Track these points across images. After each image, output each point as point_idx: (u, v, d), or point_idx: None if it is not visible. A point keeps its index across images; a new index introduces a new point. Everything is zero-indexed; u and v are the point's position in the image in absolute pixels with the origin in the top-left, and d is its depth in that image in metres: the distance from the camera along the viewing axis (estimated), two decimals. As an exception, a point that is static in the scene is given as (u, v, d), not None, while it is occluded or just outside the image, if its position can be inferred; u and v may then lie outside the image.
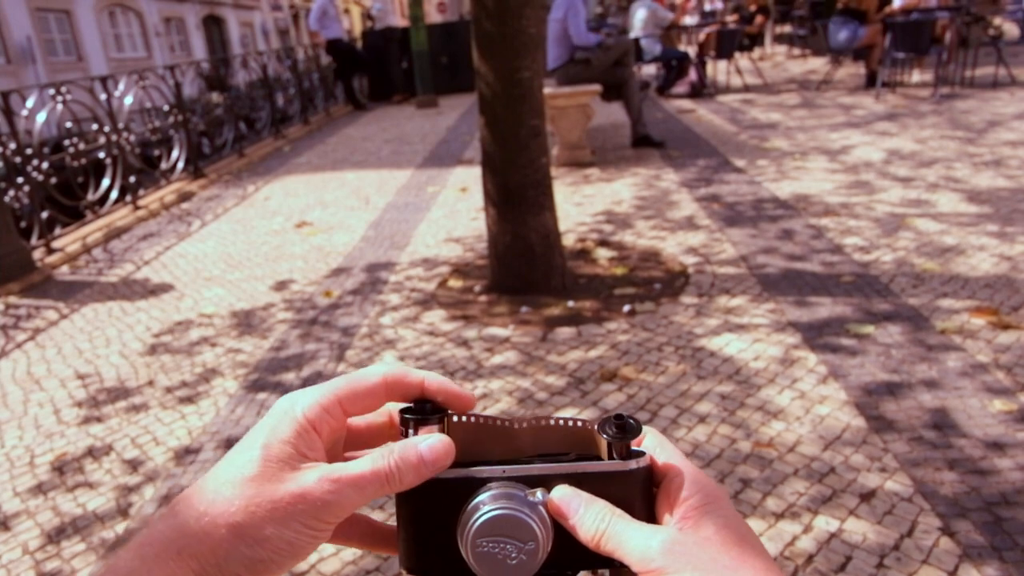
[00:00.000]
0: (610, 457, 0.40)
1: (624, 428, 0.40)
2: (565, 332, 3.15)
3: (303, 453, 0.39)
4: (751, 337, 2.95)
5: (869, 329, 2.90)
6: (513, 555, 0.38)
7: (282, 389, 2.91)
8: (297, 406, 0.40)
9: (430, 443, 0.39)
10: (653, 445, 0.42)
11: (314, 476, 0.38)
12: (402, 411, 0.41)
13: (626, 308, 3.31)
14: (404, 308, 3.59)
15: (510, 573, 0.38)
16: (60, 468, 2.55)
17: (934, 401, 2.39)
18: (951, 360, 2.62)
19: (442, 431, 0.41)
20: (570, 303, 3.43)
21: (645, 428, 0.42)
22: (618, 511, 0.39)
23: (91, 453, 2.62)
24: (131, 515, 2.25)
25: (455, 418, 0.41)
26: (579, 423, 0.42)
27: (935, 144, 5.76)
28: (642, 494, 0.40)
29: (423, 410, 0.41)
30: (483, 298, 3.60)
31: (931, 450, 2.15)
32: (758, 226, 4.25)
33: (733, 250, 3.91)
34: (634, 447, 0.41)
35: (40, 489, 2.45)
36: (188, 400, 2.92)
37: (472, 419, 0.41)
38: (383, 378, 0.42)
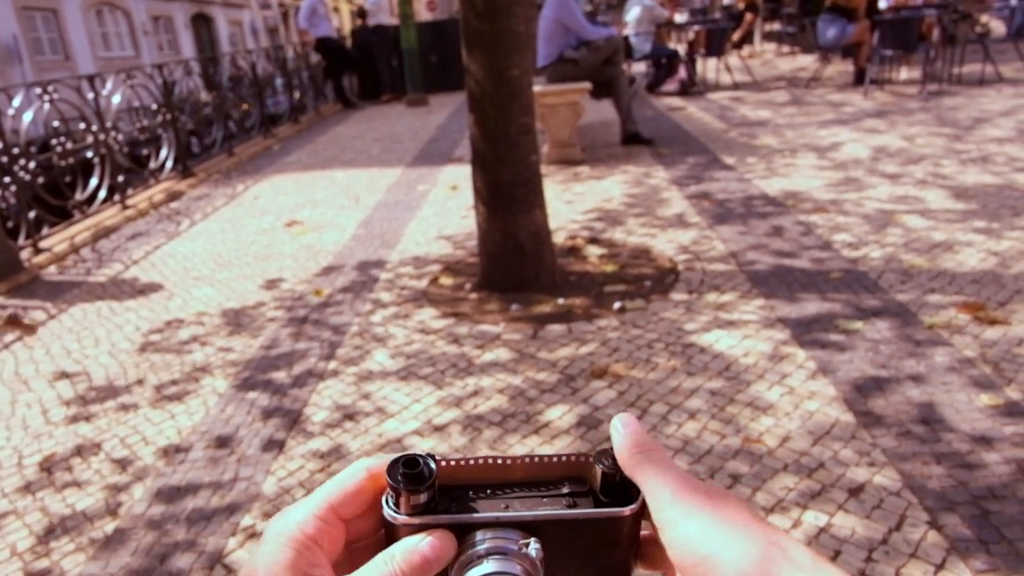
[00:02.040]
0: (603, 486, 0.40)
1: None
2: (556, 329, 3.16)
3: (308, 572, 0.38)
4: (741, 333, 2.96)
5: (858, 325, 2.92)
6: None
7: (272, 388, 2.90)
8: (292, 524, 0.39)
9: (429, 542, 0.39)
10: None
11: None
12: (389, 485, 0.40)
13: (616, 305, 3.32)
14: (395, 306, 3.58)
15: None
16: (49, 468, 2.54)
17: (922, 396, 2.40)
18: (939, 355, 2.64)
19: (432, 489, 0.40)
20: (560, 300, 3.43)
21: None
22: None
23: (80, 453, 2.61)
24: (120, 514, 2.24)
25: (443, 463, 0.40)
26: (572, 457, 0.41)
27: (923, 141, 5.79)
28: (632, 533, 0.41)
29: (410, 481, 0.39)
30: (474, 296, 3.60)
31: (919, 445, 2.16)
32: (748, 223, 4.27)
33: (723, 247, 3.92)
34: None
35: (28, 489, 2.44)
36: (178, 399, 2.91)
37: (462, 462, 0.41)
38: (368, 472, 0.41)
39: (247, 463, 2.43)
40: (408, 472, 0.39)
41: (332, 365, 3.04)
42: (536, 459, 0.41)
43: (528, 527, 0.39)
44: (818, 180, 5.02)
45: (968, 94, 7.58)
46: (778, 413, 2.40)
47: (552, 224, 3.77)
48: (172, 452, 2.55)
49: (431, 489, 0.39)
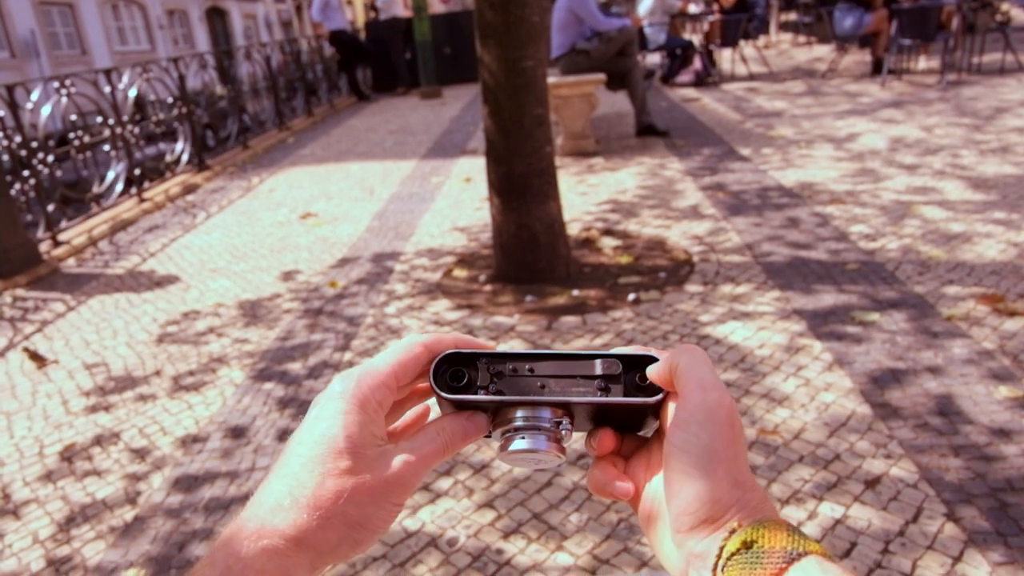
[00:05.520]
0: (628, 385, 0.45)
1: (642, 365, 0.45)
2: (570, 321, 3.15)
3: (377, 435, 0.44)
4: (756, 325, 2.95)
5: (874, 316, 2.90)
6: (536, 465, 0.46)
7: (288, 379, 2.92)
8: (365, 388, 0.44)
9: (469, 417, 0.46)
10: (683, 367, 0.44)
11: (399, 462, 0.43)
12: (438, 385, 0.46)
13: (631, 297, 3.31)
14: (409, 298, 3.59)
15: (533, 470, 0.46)
16: (69, 457, 2.57)
17: (939, 388, 2.38)
18: (956, 347, 2.62)
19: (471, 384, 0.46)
20: (575, 292, 3.43)
21: (683, 352, 0.45)
22: None
23: (99, 442, 2.64)
24: (139, 503, 2.27)
25: (492, 352, 0.46)
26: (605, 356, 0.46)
27: (941, 131, 5.73)
28: (655, 415, 0.46)
29: (454, 384, 0.46)
30: (488, 287, 3.61)
31: (936, 437, 2.15)
32: (763, 214, 4.24)
33: (738, 238, 3.90)
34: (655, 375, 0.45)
35: (49, 478, 2.47)
36: (195, 390, 2.94)
37: (510, 352, 0.47)
38: (424, 347, 0.46)
39: (264, 453, 2.45)
40: (452, 384, 0.46)
41: (347, 356, 3.06)
42: (577, 352, 0.47)
43: (561, 407, 0.45)
44: (834, 171, 4.98)
45: (988, 83, 7.49)
46: (794, 405, 2.39)
47: (566, 216, 3.77)
48: (190, 442, 2.57)
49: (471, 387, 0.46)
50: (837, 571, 0.37)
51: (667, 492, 0.42)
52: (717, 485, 0.41)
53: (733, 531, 0.40)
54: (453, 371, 0.46)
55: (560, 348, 2.88)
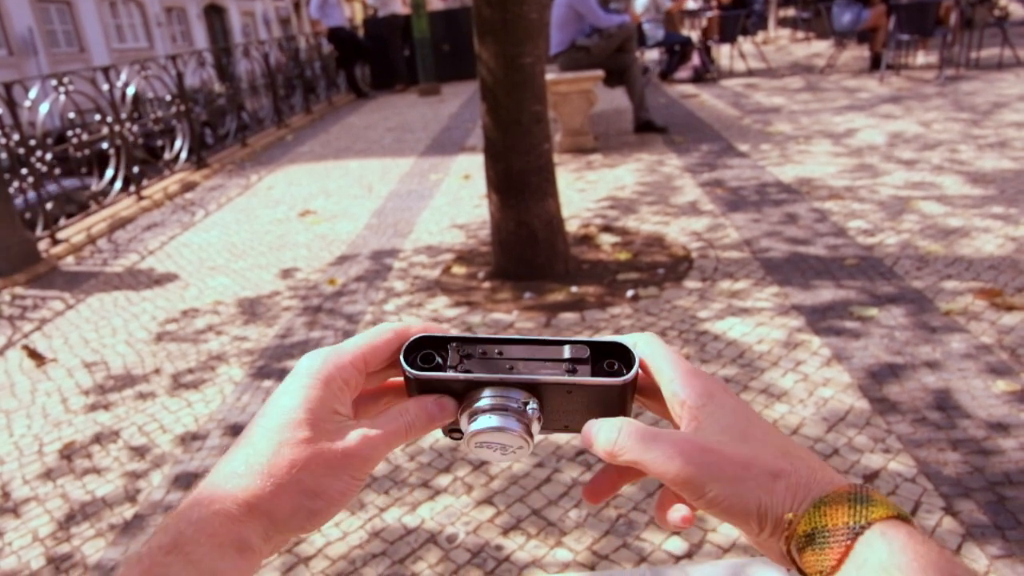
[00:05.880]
0: (596, 369, 0.46)
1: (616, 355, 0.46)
2: (569, 317, 3.16)
3: (338, 412, 0.44)
4: (754, 321, 2.96)
5: (873, 312, 2.90)
6: (503, 454, 0.46)
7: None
8: (330, 365, 0.44)
9: (436, 400, 0.47)
10: (648, 352, 0.46)
11: (357, 435, 0.43)
12: (408, 365, 0.46)
13: (630, 293, 3.31)
14: (408, 295, 3.60)
15: (500, 462, 0.45)
16: (68, 455, 2.58)
17: (937, 382, 2.39)
18: (955, 341, 2.62)
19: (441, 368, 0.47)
20: (574, 289, 3.43)
21: (639, 336, 0.47)
22: (635, 425, 0.43)
23: (99, 440, 2.64)
24: (139, 501, 2.27)
25: (462, 336, 0.47)
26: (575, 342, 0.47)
27: (939, 126, 5.73)
28: (626, 399, 0.46)
29: (424, 365, 0.46)
30: (487, 284, 3.61)
31: (934, 431, 2.15)
32: (761, 210, 4.25)
33: (736, 234, 3.91)
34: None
35: (49, 476, 2.47)
36: (194, 387, 2.94)
37: (480, 335, 0.48)
38: (394, 334, 0.47)
39: (263, 450, 2.45)
40: (422, 365, 0.46)
41: (346, 353, 3.06)
42: (547, 339, 0.48)
43: (529, 388, 0.46)
44: (833, 167, 4.98)
45: (986, 79, 7.49)
46: (792, 400, 2.40)
47: (565, 212, 3.77)
48: (189, 440, 2.58)
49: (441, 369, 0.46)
50: (902, 539, 0.37)
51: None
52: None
53: (790, 523, 0.39)
54: (424, 354, 0.46)
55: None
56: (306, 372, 0.44)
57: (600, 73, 6.03)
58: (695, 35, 10.40)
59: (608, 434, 0.43)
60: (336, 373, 0.44)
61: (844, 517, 0.37)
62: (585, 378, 0.45)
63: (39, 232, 4.95)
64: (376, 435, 0.44)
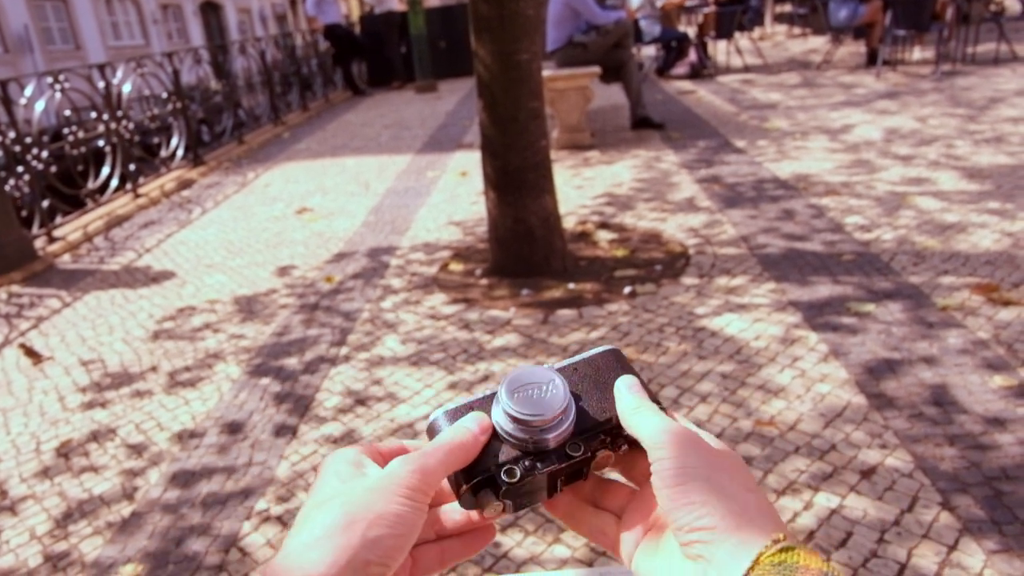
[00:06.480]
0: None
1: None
2: (566, 314, 3.16)
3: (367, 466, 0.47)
4: (752, 317, 2.96)
5: (870, 307, 2.90)
6: (540, 392, 0.48)
7: (284, 374, 2.92)
8: (351, 448, 0.49)
9: (477, 420, 0.48)
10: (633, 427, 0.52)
11: (396, 462, 0.45)
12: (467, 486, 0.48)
13: (627, 290, 3.31)
14: (405, 292, 3.59)
15: (544, 403, 0.47)
16: (66, 454, 2.57)
17: (934, 378, 2.39)
18: (952, 337, 2.63)
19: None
20: (571, 285, 3.43)
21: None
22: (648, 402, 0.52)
23: (96, 438, 2.64)
24: (136, 499, 2.27)
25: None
26: None
27: (936, 122, 5.74)
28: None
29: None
30: (484, 281, 3.61)
31: (931, 426, 2.16)
32: (758, 207, 4.25)
33: (733, 231, 3.91)
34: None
35: (46, 474, 2.47)
36: (191, 385, 2.94)
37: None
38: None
39: (260, 448, 2.45)
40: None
41: (343, 351, 3.06)
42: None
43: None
44: (829, 163, 4.98)
45: (982, 74, 7.49)
46: (789, 396, 2.40)
47: (562, 209, 3.77)
48: (186, 437, 2.57)
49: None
50: None
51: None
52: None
53: (778, 541, 0.39)
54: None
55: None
56: (327, 467, 0.47)
57: (597, 69, 6.03)
58: (692, 31, 10.39)
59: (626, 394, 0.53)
60: (358, 448, 0.49)
61: (819, 563, 0.38)
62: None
63: (35, 230, 4.94)
64: (414, 455, 0.46)
